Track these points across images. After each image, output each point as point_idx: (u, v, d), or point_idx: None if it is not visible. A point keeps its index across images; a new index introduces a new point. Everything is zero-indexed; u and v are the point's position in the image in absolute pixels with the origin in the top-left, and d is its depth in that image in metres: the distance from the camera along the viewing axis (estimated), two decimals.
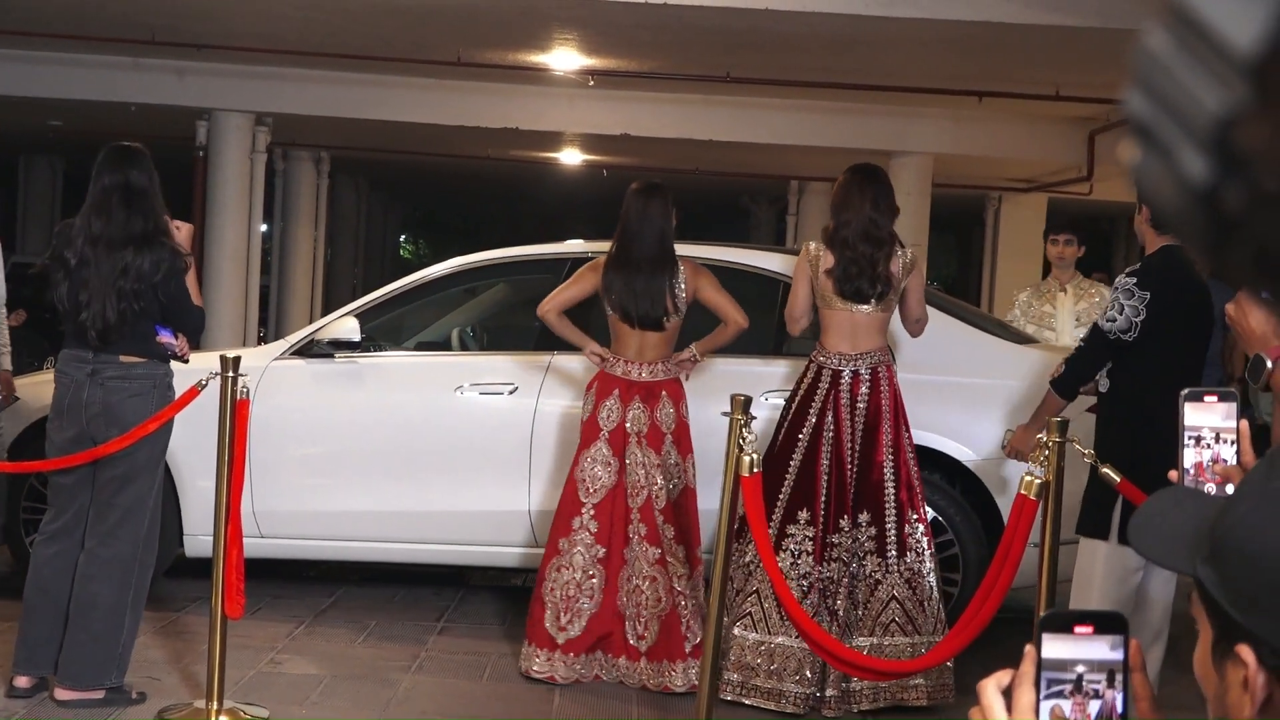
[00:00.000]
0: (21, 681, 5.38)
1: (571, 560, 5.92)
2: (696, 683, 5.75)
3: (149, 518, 5.37)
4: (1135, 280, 5.14)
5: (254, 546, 6.51)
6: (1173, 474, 2.35)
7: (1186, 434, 2.33)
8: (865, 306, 5.73)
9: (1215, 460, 2.31)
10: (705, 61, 11.37)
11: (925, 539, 5.67)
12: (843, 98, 12.94)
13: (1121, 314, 5.13)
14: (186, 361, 5.50)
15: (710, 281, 6.05)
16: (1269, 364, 2.70)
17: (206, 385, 5.37)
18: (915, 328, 5.94)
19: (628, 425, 5.95)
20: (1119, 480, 4.27)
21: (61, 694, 5.29)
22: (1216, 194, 0.52)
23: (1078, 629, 1.34)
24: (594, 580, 5.90)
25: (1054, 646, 1.34)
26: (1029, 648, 1.33)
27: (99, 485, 5.35)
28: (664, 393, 6.00)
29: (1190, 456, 2.33)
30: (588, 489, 5.95)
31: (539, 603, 5.95)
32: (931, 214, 15.08)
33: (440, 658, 6.27)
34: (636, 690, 5.86)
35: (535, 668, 5.91)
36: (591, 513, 5.93)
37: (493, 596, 7.50)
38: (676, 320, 6.02)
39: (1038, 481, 4.13)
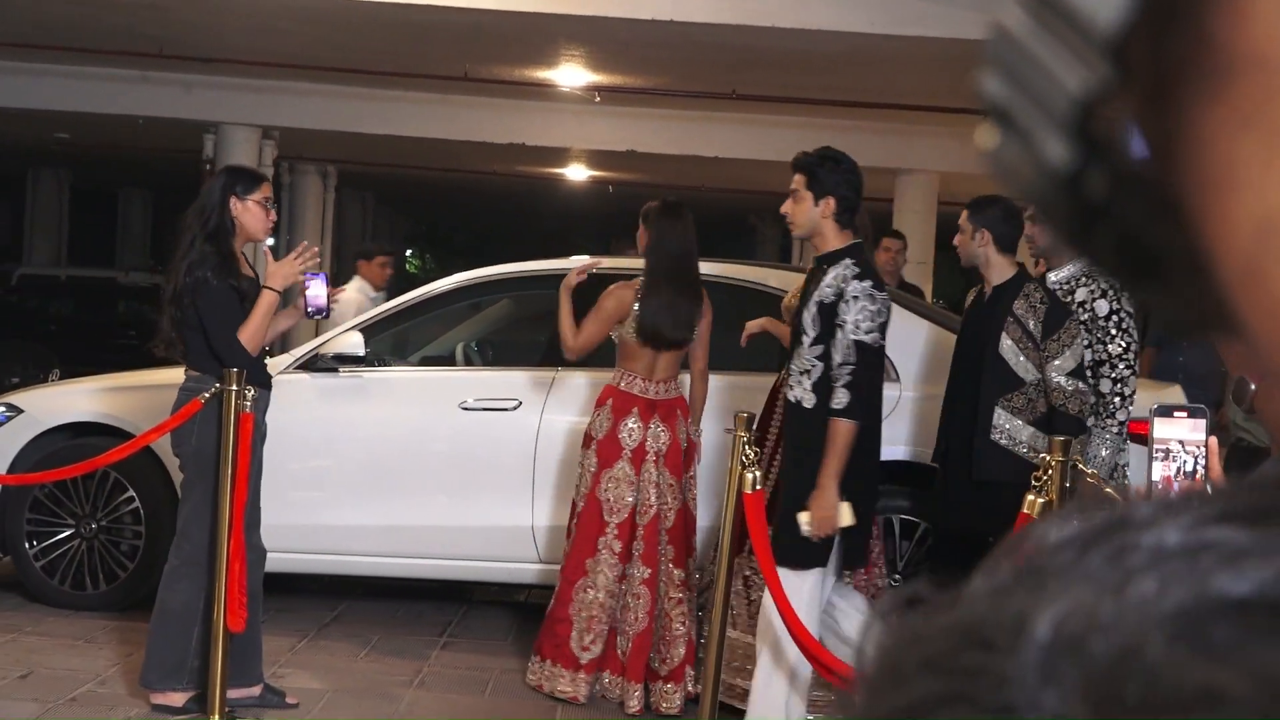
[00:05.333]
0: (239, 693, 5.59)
1: (596, 580, 5.86)
2: (642, 705, 5.74)
3: (210, 536, 5.35)
4: (871, 283, 4.96)
5: None
6: (1140, 488, 2.36)
7: (1155, 448, 2.33)
8: None
9: (1182, 474, 2.31)
10: (711, 79, 11.39)
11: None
12: (848, 115, 12.95)
13: (874, 321, 4.92)
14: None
15: (709, 321, 6.02)
16: (1252, 386, 2.71)
17: (210, 398, 5.38)
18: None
19: (648, 444, 5.91)
20: None
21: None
22: (1079, 180, 0.50)
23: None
24: (615, 600, 5.87)
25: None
26: None
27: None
28: (678, 410, 5.97)
29: (1158, 470, 2.33)
30: (612, 508, 5.88)
31: (564, 623, 5.87)
32: (937, 233, 15.09)
33: (443, 673, 6.27)
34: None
35: (561, 687, 5.84)
36: (615, 532, 5.87)
37: (495, 612, 7.50)
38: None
39: (1041, 501, 4.12)
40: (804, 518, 4.87)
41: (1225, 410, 7.42)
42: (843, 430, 4.85)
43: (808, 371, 4.94)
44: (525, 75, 11.87)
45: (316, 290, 5.40)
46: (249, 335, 5.34)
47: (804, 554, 4.93)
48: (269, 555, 6.71)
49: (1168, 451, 2.33)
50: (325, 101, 13.72)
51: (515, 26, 9.60)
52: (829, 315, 4.90)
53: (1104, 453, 5.50)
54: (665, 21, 8.88)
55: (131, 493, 6.96)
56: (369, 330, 7.02)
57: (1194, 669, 0.38)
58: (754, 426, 4.70)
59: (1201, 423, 2.34)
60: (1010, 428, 5.35)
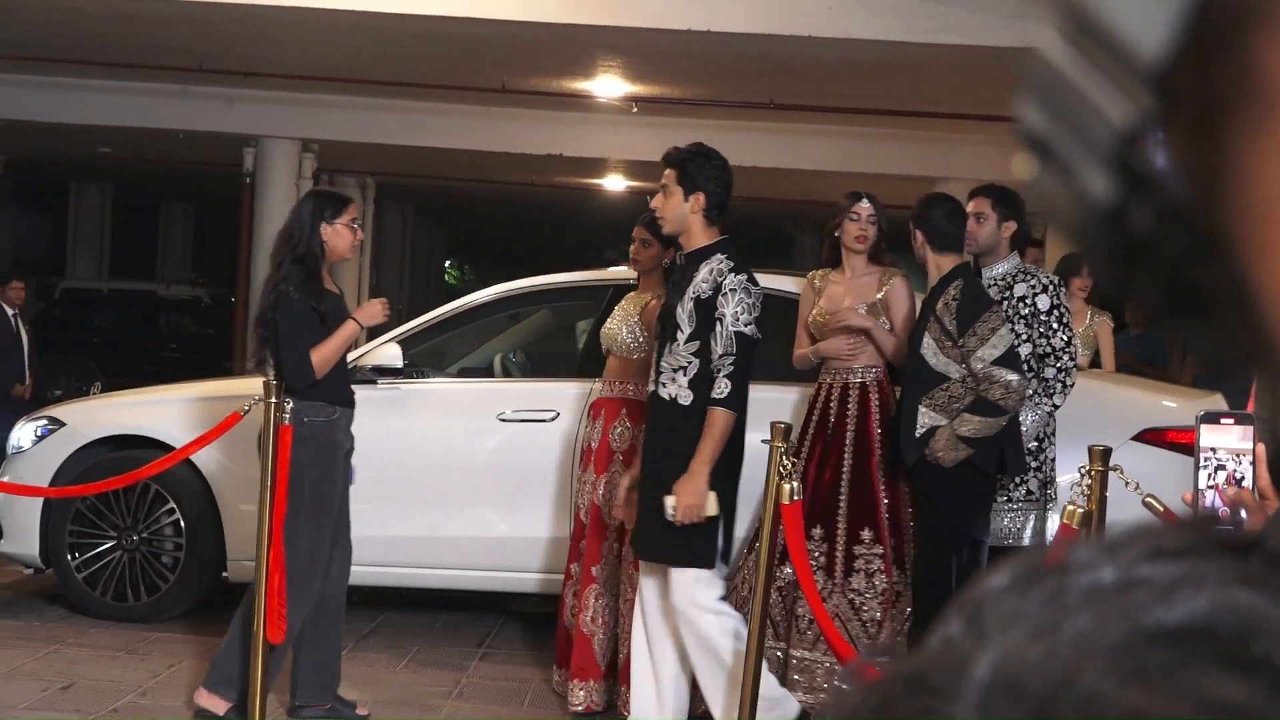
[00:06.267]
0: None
1: None
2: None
3: (303, 551, 5.37)
4: (746, 276, 4.98)
5: None
6: (1186, 496, 2.33)
7: (1201, 456, 2.31)
8: None
9: (1230, 482, 2.28)
10: (748, 88, 11.39)
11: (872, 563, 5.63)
12: (886, 124, 12.93)
13: (751, 314, 4.94)
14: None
15: None
16: None
17: (249, 410, 5.41)
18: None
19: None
20: (1163, 510, 4.20)
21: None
22: (1122, 214, 0.49)
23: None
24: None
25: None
26: None
27: None
28: None
29: (1205, 478, 2.30)
30: None
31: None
32: None
33: (481, 684, 6.28)
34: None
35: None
36: None
37: (533, 623, 7.50)
38: None
39: (1080, 511, 4.10)
40: (670, 502, 4.89)
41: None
42: (720, 420, 4.89)
43: (683, 368, 4.95)
44: (562, 87, 11.89)
45: None
46: (321, 357, 5.34)
47: (691, 552, 4.93)
48: None
49: (1215, 459, 2.30)
50: (364, 114, 13.79)
51: (553, 38, 9.61)
52: (707, 310, 4.93)
53: (1025, 425, 5.43)
54: (702, 32, 8.87)
55: (172, 505, 7.00)
56: (407, 341, 7.03)
57: (1126, 694, 0.39)
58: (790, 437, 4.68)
59: (1249, 430, 2.31)
60: (929, 423, 5.27)
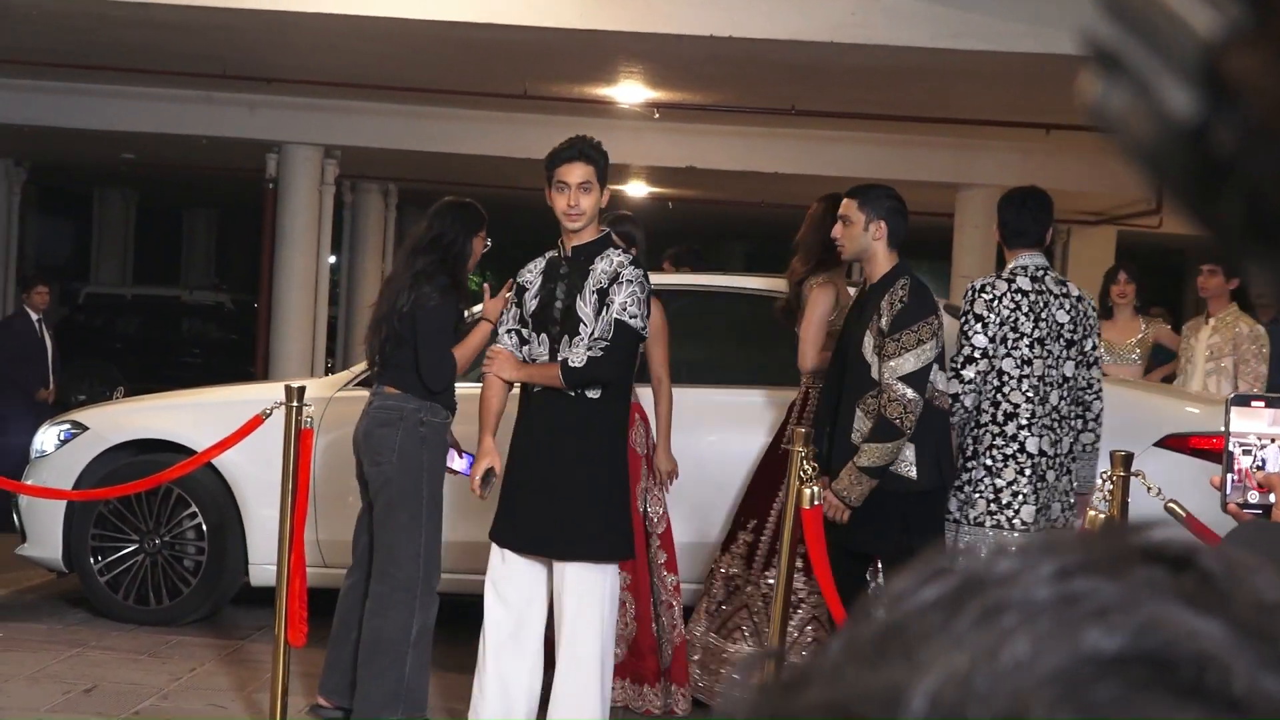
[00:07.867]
0: (322, 701, 5.59)
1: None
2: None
3: (424, 553, 5.37)
4: (644, 273, 4.94)
5: (318, 576, 6.54)
6: (1214, 479, 2.30)
7: (1232, 440, 2.28)
8: None
9: (1259, 466, 2.26)
10: (770, 94, 11.38)
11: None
12: (909, 130, 12.91)
13: (640, 309, 4.84)
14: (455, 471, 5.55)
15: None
16: None
17: (271, 415, 5.42)
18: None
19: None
20: (1185, 515, 4.19)
21: None
22: (1205, 133, 0.45)
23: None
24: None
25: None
26: None
27: (372, 519, 5.45)
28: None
29: (1233, 462, 2.28)
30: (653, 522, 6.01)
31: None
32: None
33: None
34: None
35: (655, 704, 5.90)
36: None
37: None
38: None
39: (1103, 517, 4.08)
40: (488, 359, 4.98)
41: None
42: (553, 374, 4.82)
43: None
44: (584, 93, 11.90)
45: (461, 467, 5.50)
46: (461, 357, 5.42)
47: (611, 548, 4.91)
48: (327, 571, 6.69)
49: (1244, 443, 2.27)
50: (386, 120, 13.82)
51: (575, 45, 9.62)
52: (606, 299, 4.85)
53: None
54: (724, 38, 8.87)
55: (194, 508, 7.02)
56: None
57: None
58: (809, 443, 4.68)
59: (1279, 413, 2.29)
60: (861, 430, 4.97)
